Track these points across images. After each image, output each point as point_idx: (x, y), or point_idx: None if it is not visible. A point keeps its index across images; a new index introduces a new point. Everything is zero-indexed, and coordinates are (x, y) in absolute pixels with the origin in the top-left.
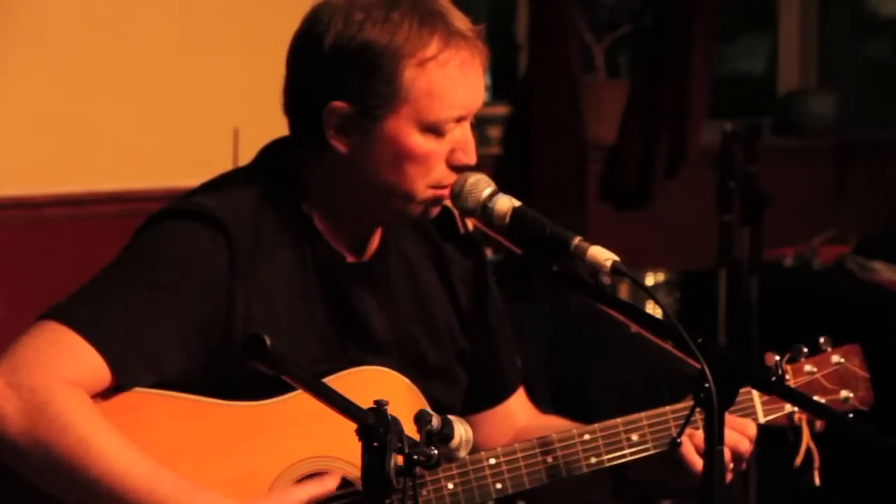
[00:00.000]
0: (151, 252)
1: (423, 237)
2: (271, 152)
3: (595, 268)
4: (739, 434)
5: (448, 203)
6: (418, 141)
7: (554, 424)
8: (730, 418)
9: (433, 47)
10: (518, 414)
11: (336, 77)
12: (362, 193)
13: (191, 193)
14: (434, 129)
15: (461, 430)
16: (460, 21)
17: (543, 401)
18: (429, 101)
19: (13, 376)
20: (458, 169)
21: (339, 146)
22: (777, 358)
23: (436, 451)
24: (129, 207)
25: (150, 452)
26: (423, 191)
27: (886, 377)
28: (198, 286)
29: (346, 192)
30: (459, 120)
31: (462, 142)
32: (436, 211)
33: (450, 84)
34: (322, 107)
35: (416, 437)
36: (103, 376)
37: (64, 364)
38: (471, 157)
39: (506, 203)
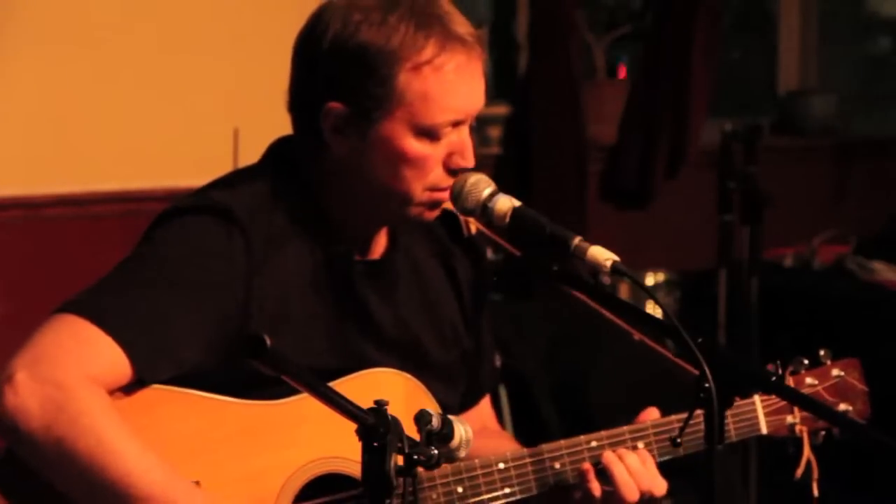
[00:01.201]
0: (170, 247)
1: (430, 237)
2: (278, 149)
3: (595, 268)
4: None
5: (448, 205)
6: (413, 144)
7: (504, 442)
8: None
9: (429, 51)
10: (486, 419)
11: (333, 78)
12: (361, 194)
13: (203, 189)
14: (429, 133)
15: (461, 431)
16: (459, 25)
17: (543, 401)
18: (423, 104)
19: (36, 370)
20: (456, 173)
21: (337, 147)
22: (779, 367)
23: (436, 451)
24: (130, 207)
25: (165, 449)
26: (419, 193)
27: (887, 377)
28: (216, 281)
29: (346, 191)
30: (456, 124)
31: (459, 145)
32: (435, 214)
33: (445, 88)
34: (320, 107)
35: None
36: (124, 371)
37: (86, 359)
38: (468, 161)
39: (506, 203)
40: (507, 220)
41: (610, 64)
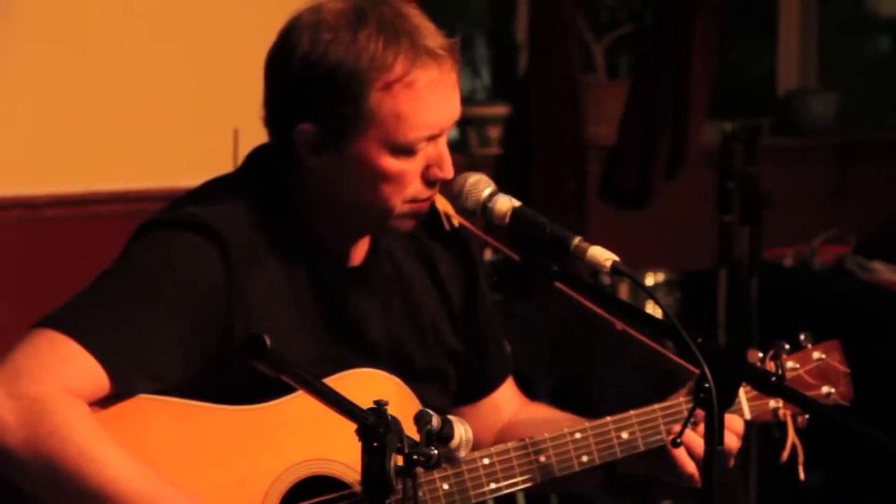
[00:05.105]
0: (148, 262)
1: (409, 237)
2: (257, 159)
3: (595, 268)
4: (728, 431)
5: (443, 205)
6: (389, 161)
7: (541, 415)
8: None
9: (398, 69)
10: (503, 406)
11: (303, 99)
12: (339, 209)
13: (181, 201)
14: (405, 150)
15: (461, 431)
16: (430, 38)
17: (544, 401)
18: (396, 123)
19: (14, 386)
20: (435, 184)
21: (312, 165)
22: (760, 354)
23: (436, 451)
24: (130, 207)
25: (148, 457)
26: (399, 206)
27: (886, 376)
28: (195, 296)
29: (324, 206)
30: (432, 138)
31: (437, 157)
32: (415, 223)
33: (417, 105)
34: (292, 127)
35: (416, 437)
36: (102, 385)
37: (64, 373)
38: (447, 172)
39: (506, 203)
40: (507, 220)
41: (610, 64)
